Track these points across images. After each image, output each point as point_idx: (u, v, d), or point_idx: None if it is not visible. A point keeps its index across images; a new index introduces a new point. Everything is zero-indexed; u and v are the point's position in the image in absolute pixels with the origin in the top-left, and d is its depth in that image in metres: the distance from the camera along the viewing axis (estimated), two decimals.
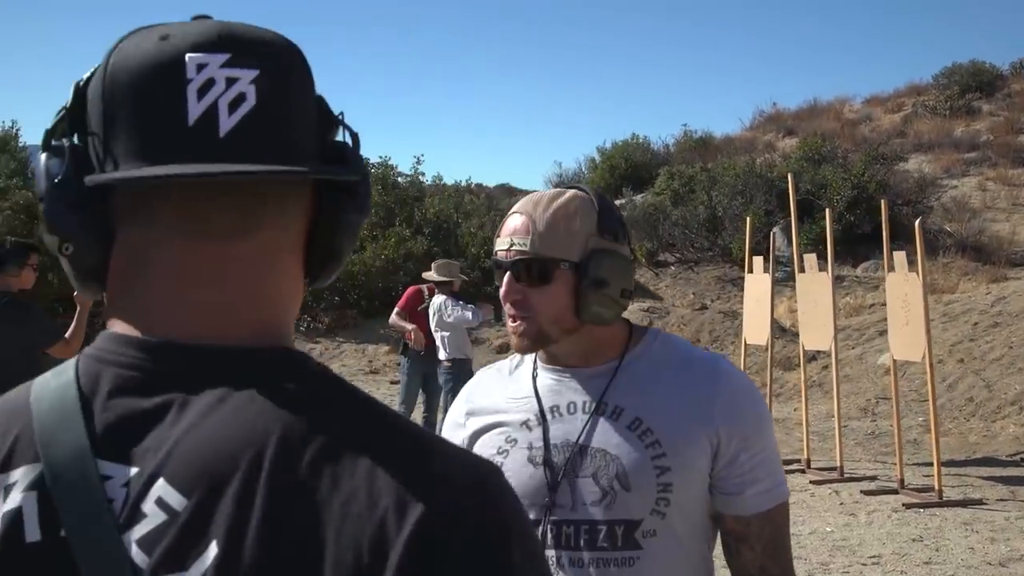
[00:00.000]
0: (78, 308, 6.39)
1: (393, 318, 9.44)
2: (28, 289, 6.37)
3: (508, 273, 1.72)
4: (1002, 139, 23.75)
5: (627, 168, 25.31)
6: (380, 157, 20.35)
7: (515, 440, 1.79)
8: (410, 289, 9.60)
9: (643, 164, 25.41)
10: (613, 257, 1.72)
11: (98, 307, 6.55)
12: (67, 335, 6.22)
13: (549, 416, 1.78)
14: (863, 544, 6.79)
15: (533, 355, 1.85)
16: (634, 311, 16.04)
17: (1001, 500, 7.92)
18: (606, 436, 1.72)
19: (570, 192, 1.77)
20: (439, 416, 9.03)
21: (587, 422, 1.75)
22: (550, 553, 1.73)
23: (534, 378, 1.84)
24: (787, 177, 18.61)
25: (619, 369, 1.77)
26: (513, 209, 1.78)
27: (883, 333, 14.06)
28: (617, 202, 22.18)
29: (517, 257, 1.71)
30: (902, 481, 8.32)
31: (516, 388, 1.86)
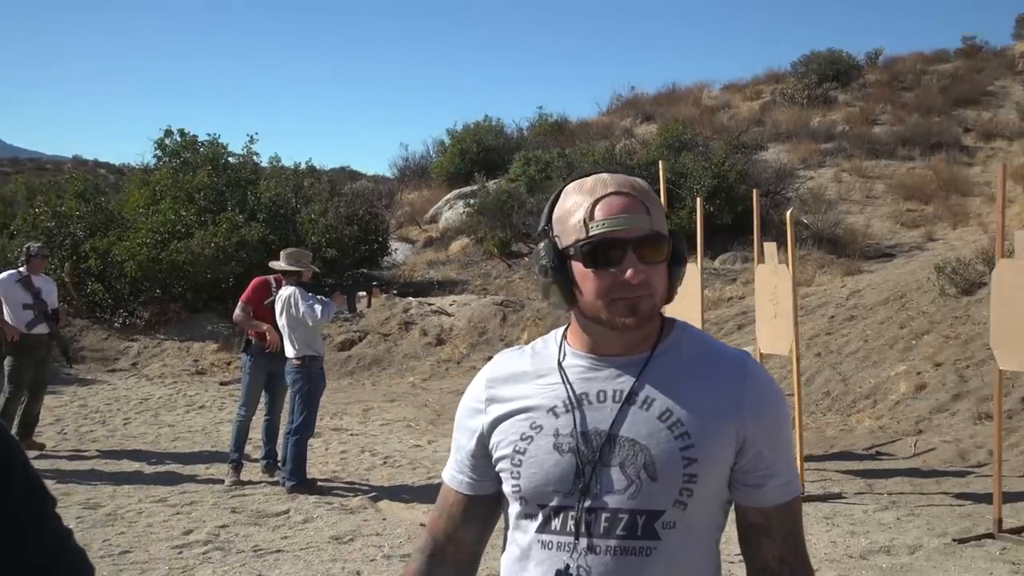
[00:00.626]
0: None
1: (238, 314, 9.07)
2: None
3: (631, 251, 1.77)
4: (857, 130, 24.86)
5: (479, 152, 25.39)
6: (209, 135, 19.96)
7: (540, 427, 1.86)
8: (256, 280, 9.22)
9: (496, 148, 25.55)
10: (680, 236, 1.89)
11: None
12: None
13: (579, 403, 1.86)
14: (729, 541, 6.94)
15: (559, 340, 1.95)
16: (487, 304, 16.15)
17: (859, 493, 8.31)
18: (636, 426, 1.82)
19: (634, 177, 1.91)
20: (283, 418, 8.93)
21: (618, 411, 1.83)
22: (569, 540, 1.83)
23: (561, 364, 1.91)
24: (648, 165, 19.14)
25: (650, 360, 1.87)
26: (606, 190, 1.82)
27: (742, 327, 14.53)
28: (468, 188, 22.56)
29: (641, 234, 1.78)
30: None
31: (543, 373, 1.93)
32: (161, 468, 9.44)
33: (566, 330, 1.96)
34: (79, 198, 18.42)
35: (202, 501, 8.20)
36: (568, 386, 1.88)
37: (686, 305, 9.40)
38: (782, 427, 1.88)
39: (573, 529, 1.82)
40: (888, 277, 15.50)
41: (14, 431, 10.04)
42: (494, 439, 1.92)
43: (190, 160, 19.33)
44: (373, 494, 8.46)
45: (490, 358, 10.51)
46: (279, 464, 8.86)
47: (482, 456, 1.95)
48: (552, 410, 1.87)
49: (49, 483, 6.54)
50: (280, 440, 8.89)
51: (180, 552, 6.85)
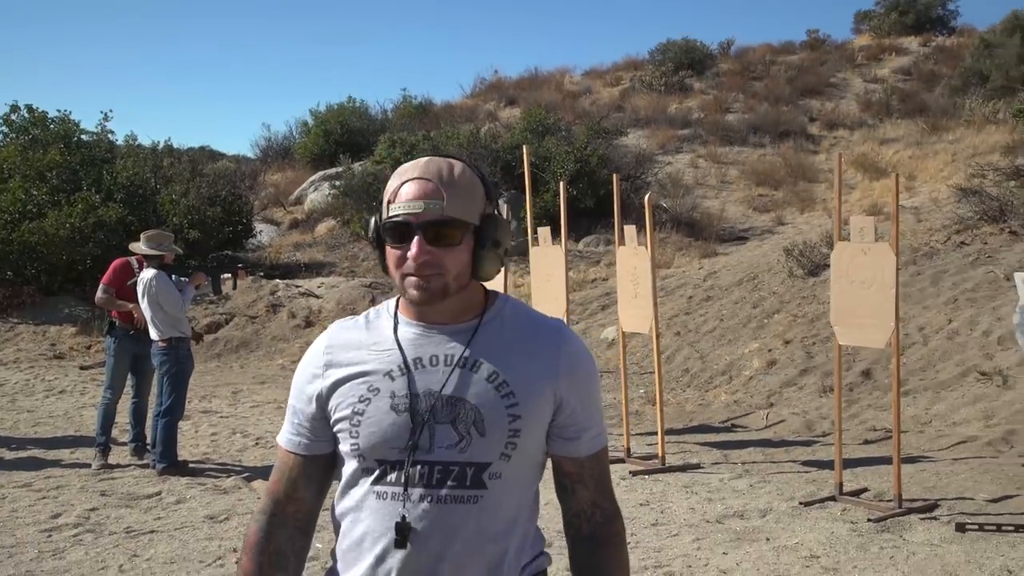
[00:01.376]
0: None
1: (100, 296, 8.91)
2: None
3: (419, 234, 1.92)
4: (712, 117, 25.53)
5: (343, 134, 25.25)
6: (59, 111, 19.44)
7: (377, 389, 2.00)
8: (117, 261, 9.05)
9: (360, 130, 25.47)
10: (502, 221, 2.03)
11: None
12: None
13: (413, 367, 2.01)
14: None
15: (392, 310, 2.10)
16: (355, 286, 16.17)
17: (716, 463, 8.68)
18: (466, 387, 1.98)
19: (458, 162, 2.02)
20: (150, 401, 8.88)
21: (449, 374, 1.99)
22: (401, 491, 1.96)
23: (395, 331, 2.06)
24: (512, 148, 19.39)
25: (479, 327, 2.04)
26: (410, 175, 1.97)
27: (605, 308, 14.87)
28: (333, 170, 22.47)
29: (431, 219, 1.93)
30: (628, 450, 8.94)
31: (378, 340, 2.06)
32: (23, 453, 9.24)
33: (398, 300, 2.10)
34: None
35: (69, 485, 8.09)
36: (402, 352, 2.02)
37: (552, 286, 9.61)
38: (592, 387, 2.10)
39: (404, 481, 1.96)
40: (742, 259, 15.98)
41: None
42: (332, 402, 2.04)
43: (40, 137, 18.76)
44: (247, 474, 8.45)
45: None
46: (148, 447, 8.80)
47: (320, 418, 2.06)
48: (388, 374, 2.01)
49: None
50: (149, 422, 8.82)
51: (49, 535, 6.77)
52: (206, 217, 18.28)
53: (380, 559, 1.96)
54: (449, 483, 1.95)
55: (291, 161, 26.02)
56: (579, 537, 2.10)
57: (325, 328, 8.38)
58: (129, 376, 8.97)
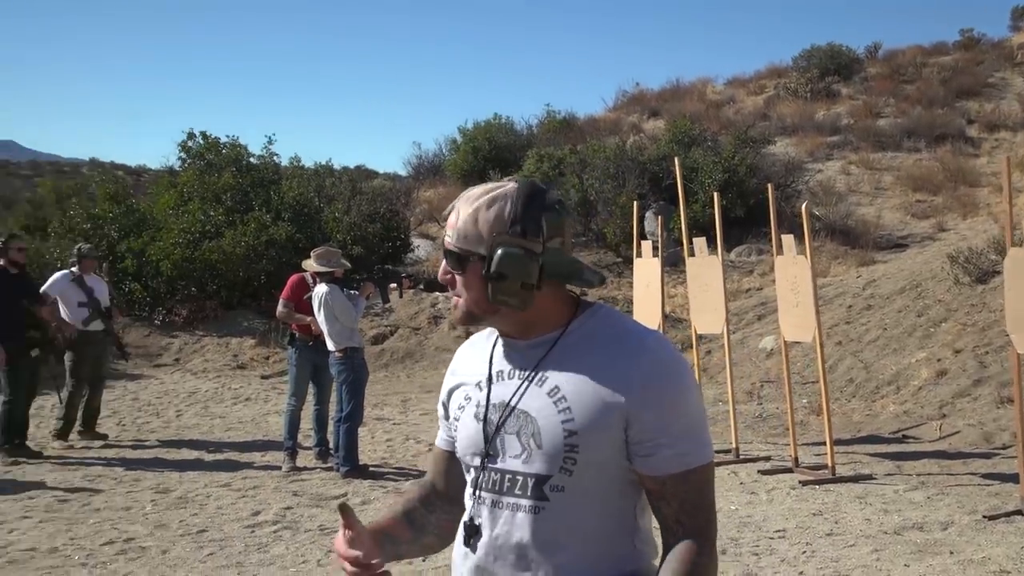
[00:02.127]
0: None
1: (281, 310, 9.32)
2: None
3: (444, 259, 2.05)
4: (862, 123, 24.86)
5: (491, 150, 25.36)
6: (228, 137, 20.00)
7: (470, 398, 2.10)
8: (293, 277, 9.46)
9: (507, 145, 25.55)
10: (510, 254, 1.95)
11: None
12: None
13: (495, 379, 2.07)
14: (767, 520, 7.22)
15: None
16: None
17: (889, 474, 8.54)
18: (530, 400, 1.98)
19: (501, 188, 2.02)
20: (331, 408, 9.21)
21: (519, 386, 2.01)
22: (477, 493, 2.05)
23: (494, 346, 2.13)
24: (659, 160, 19.39)
25: (557, 342, 2.02)
26: (455, 200, 2.06)
27: (762, 317, 14.76)
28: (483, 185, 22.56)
29: (446, 247, 2.03)
30: (796, 460, 8.90)
31: (482, 354, 2.14)
32: (220, 456, 9.73)
33: None
34: (111, 200, 18.57)
35: (264, 485, 8.49)
36: (490, 365, 2.09)
37: (710, 296, 9.63)
38: (676, 402, 1.93)
39: (483, 485, 2.03)
40: (902, 267, 15.66)
41: (78, 423, 10.39)
42: (449, 407, 2.18)
43: (214, 162, 19.41)
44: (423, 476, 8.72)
45: None
46: (331, 451, 9.14)
47: (447, 420, 2.20)
48: (478, 384, 2.09)
49: (119, 470, 6.98)
50: (331, 428, 9.15)
51: (252, 531, 7.15)
52: (367, 233, 18.66)
53: (460, 555, 2.08)
54: (515, 492, 1.99)
55: (442, 178, 26.34)
56: (664, 551, 1.98)
57: None
58: (310, 384, 9.34)
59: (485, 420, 2.04)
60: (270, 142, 20.22)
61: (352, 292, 9.07)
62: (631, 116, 28.93)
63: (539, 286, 1.98)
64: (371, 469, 8.92)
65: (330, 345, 8.82)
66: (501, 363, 2.08)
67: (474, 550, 2.04)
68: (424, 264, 20.03)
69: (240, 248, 17.00)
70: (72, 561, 6.50)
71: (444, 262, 2.05)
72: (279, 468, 9.07)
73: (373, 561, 2.05)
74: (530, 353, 2.04)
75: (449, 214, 2.04)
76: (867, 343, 12.60)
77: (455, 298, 2.05)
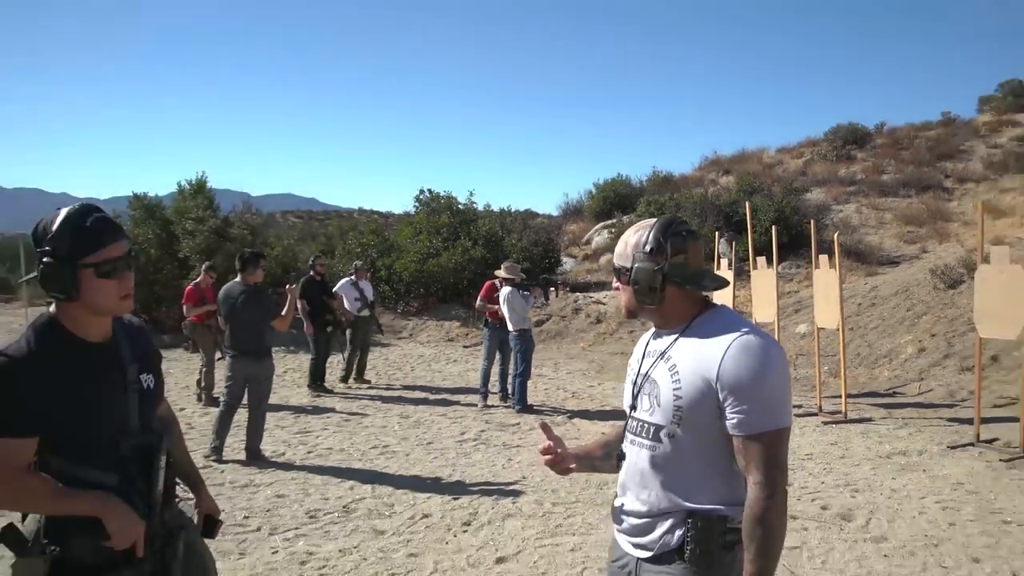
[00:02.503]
0: (288, 296, 6.64)
1: (479, 303, 9.54)
2: (259, 282, 6.91)
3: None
4: (871, 177, 23.92)
5: (615, 198, 25.24)
6: (444, 191, 20.44)
7: (632, 369, 2.12)
8: (487, 283, 9.65)
9: (626, 195, 25.35)
10: (640, 267, 1.97)
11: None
12: (282, 313, 6.52)
13: (644, 357, 2.08)
14: (799, 447, 7.15)
15: None
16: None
17: (883, 418, 8.36)
18: (658, 372, 1.98)
19: (646, 222, 2.03)
20: (510, 368, 9.37)
21: (654, 362, 2.01)
22: (626, 434, 2.08)
23: (651, 335, 2.13)
24: (731, 204, 19.06)
25: (683, 332, 1.98)
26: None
27: (798, 311, 14.41)
28: (609, 221, 22.77)
29: (614, 265, 2.08)
30: (820, 407, 8.79)
31: (644, 341, 2.14)
32: (438, 396, 9.97)
33: None
34: (372, 233, 19.30)
35: (466, 416, 8.72)
36: (644, 347, 2.09)
37: (765, 297, 9.59)
38: (753, 380, 1.81)
39: (627, 429, 2.07)
40: (896, 277, 15.06)
41: (353, 374, 10.92)
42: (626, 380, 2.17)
43: (436, 208, 19.75)
44: (569, 414, 8.82)
45: (631, 332, 10.95)
46: (509, 395, 9.39)
47: None
48: (637, 360, 2.10)
49: (378, 403, 7.37)
50: (510, 381, 9.33)
51: (460, 444, 7.41)
52: (532, 254, 18.80)
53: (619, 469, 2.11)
54: (641, 434, 2.00)
55: (581, 216, 26.38)
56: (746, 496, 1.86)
57: (609, 324, 8.95)
58: (497, 352, 9.53)
59: (635, 384, 2.05)
60: (471, 194, 20.54)
61: (525, 293, 9.32)
62: (710, 174, 28.32)
63: (663, 289, 1.96)
64: (534, 408, 9.10)
65: (510, 327, 9.06)
66: (650, 346, 2.07)
67: (619, 470, 2.10)
68: (569, 274, 20.17)
69: (451, 264, 17.31)
70: (353, 457, 6.92)
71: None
72: (475, 405, 9.31)
73: (558, 450, 2.21)
74: (666, 339, 2.01)
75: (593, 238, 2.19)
76: (871, 329, 12.22)
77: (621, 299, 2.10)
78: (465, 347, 15.02)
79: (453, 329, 16.44)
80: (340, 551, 4.62)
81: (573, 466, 2.26)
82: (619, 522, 2.09)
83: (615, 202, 25.04)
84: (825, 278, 8.83)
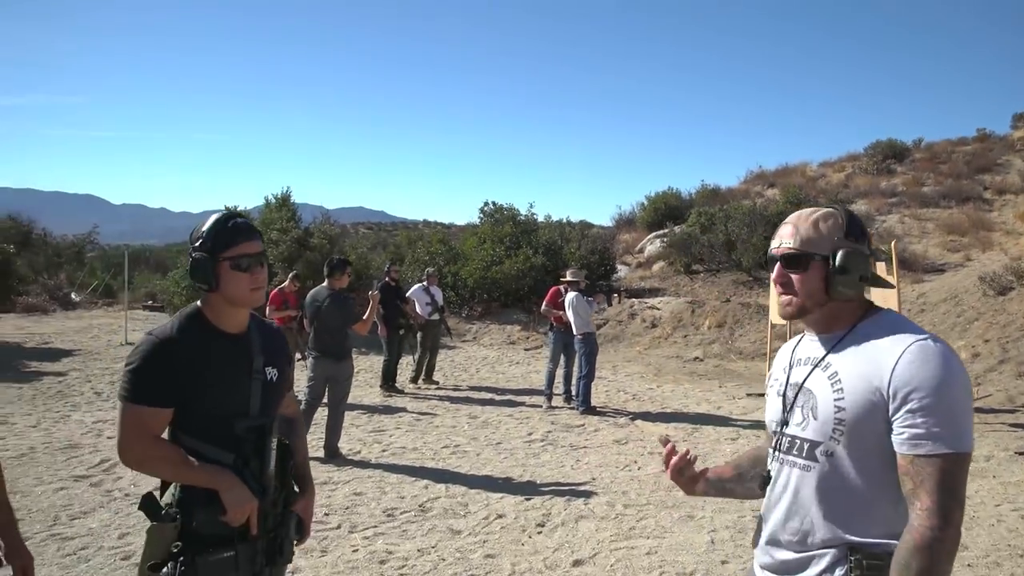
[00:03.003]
0: (371, 302, 6.52)
1: (544, 308, 9.33)
2: (344, 287, 6.76)
3: (779, 262, 1.67)
4: (912, 190, 23.03)
5: (666, 209, 24.73)
6: (507, 203, 20.24)
7: (777, 380, 1.77)
8: (552, 288, 9.39)
9: (676, 207, 24.82)
10: (852, 252, 1.61)
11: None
12: (364, 317, 6.35)
13: (793, 366, 1.72)
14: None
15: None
16: (681, 302, 15.91)
17: None
18: (815, 381, 1.63)
19: (826, 209, 1.68)
20: (574, 370, 9.08)
21: (810, 371, 1.66)
22: (774, 452, 1.71)
23: (798, 341, 1.78)
24: (777, 215, 18.38)
25: (844, 336, 1.63)
26: (786, 220, 1.71)
27: None
28: (661, 231, 22.30)
29: (784, 252, 1.65)
30: None
31: (787, 351, 1.80)
32: (503, 397, 9.69)
33: None
34: (440, 243, 19.21)
35: (532, 417, 8.41)
36: (792, 355, 1.74)
37: (885, 304, 9.06)
38: (930, 392, 1.44)
39: (775, 447, 1.70)
40: (942, 284, 14.30)
41: (423, 374, 10.74)
42: (768, 393, 1.82)
43: (499, 218, 19.59)
44: (631, 416, 8.47)
45: (685, 336, 10.38)
46: (573, 396, 9.05)
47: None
48: (783, 369, 1.75)
49: (447, 403, 7.07)
50: (574, 383, 9.02)
51: (529, 444, 7.11)
52: (590, 261, 18.49)
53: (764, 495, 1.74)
54: (793, 452, 1.63)
55: (634, 226, 25.89)
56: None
57: (663, 329, 8.38)
58: (562, 355, 9.23)
59: (784, 396, 1.71)
60: (531, 206, 20.48)
61: (589, 299, 9.01)
62: (756, 187, 27.66)
63: (871, 280, 1.64)
64: (598, 409, 8.77)
65: (575, 331, 8.77)
66: (800, 354, 1.73)
67: (765, 493, 1.72)
68: (624, 280, 19.76)
69: (513, 271, 17.10)
70: (425, 456, 6.68)
71: (778, 266, 1.67)
72: (540, 407, 9.01)
73: (688, 457, 1.87)
74: (824, 345, 1.66)
75: (779, 228, 1.70)
76: None
77: (786, 296, 1.67)
78: (526, 350, 14.73)
79: (515, 333, 16.18)
80: (419, 551, 4.36)
81: (699, 488, 1.92)
82: (764, 557, 1.72)
83: (666, 213, 24.53)
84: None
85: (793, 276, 1.65)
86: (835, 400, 1.57)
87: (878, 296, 8.36)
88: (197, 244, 2.04)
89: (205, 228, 2.06)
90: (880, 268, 8.41)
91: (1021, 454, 6.45)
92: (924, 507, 1.43)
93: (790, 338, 1.90)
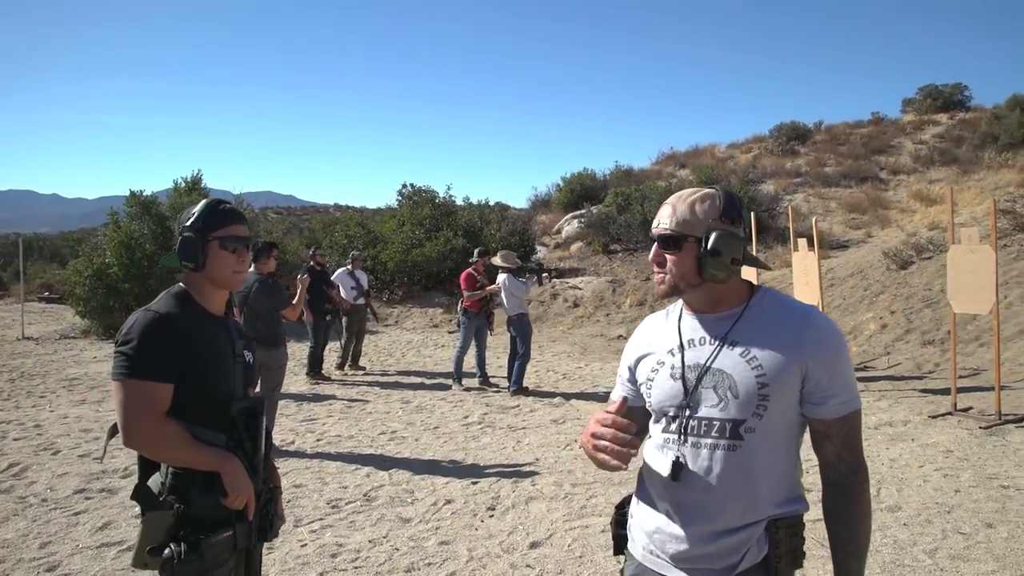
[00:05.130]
0: (300, 286, 6.39)
1: (468, 294, 8.96)
2: (272, 272, 6.48)
3: (656, 243, 1.68)
4: (814, 170, 24.11)
5: (582, 190, 24.95)
6: (425, 185, 20.02)
7: (663, 363, 1.72)
8: (464, 273, 9.08)
9: (592, 187, 25.08)
10: (724, 235, 1.62)
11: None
12: (293, 302, 6.21)
13: (686, 346, 1.69)
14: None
15: (680, 304, 1.77)
16: (601, 282, 16.12)
17: (861, 391, 7.99)
18: (725, 361, 1.62)
19: (705, 191, 1.68)
20: (485, 351, 9.08)
21: (712, 351, 1.65)
22: (677, 438, 1.66)
23: (679, 320, 1.75)
24: None
25: (742, 314, 1.66)
26: (667, 201, 1.70)
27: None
28: (578, 212, 22.52)
29: (661, 232, 1.66)
30: None
31: (668, 328, 1.76)
32: (434, 381, 9.58)
33: None
34: (359, 227, 18.82)
35: (466, 400, 8.33)
36: (680, 335, 1.71)
37: (805, 279, 9.19)
38: (838, 360, 1.58)
39: (681, 431, 1.65)
40: (848, 260, 15.02)
41: (349, 360, 10.49)
42: (637, 372, 1.79)
43: (417, 200, 19.41)
44: (564, 395, 8.48)
45: (607, 315, 10.54)
46: (488, 379, 8.99)
47: (633, 381, 1.81)
48: (670, 351, 1.71)
49: (376, 388, 6.89)
50: (504, 363, 8.99)
51: (467, 428, 7.04)
52: (510, 243, 18.49)
53: (662, 485, 1.67)
54: (712, 434, 1.61)
55: (550, 208, 26.10)
56: (827, 483, 1.63)
57: (585, 308, 8.46)
58: (473, 338, 9.05)
59: (684, 378, 1.66)
60: (449, 188, 20.30)
61: (522, 280, 8.94)
62: (668, 168, 28.27)
63: (742, 263, 1.64)
64: (529, 390, 8.74)
65: (508, 312, 8.68)
66: (690, 333, 1.70)
67: (678, 480, 1.64)
68: (544, 260, 19.85)
69: (433, 254, 16.97)
70: (363, 444, 6.52)
71: (655, 246, 1.68)
72: (478, 389, 8.89)
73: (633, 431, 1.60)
74: (719, 324, 1.66)
75: (660, 208, 1.69)
76: (833, 307, 12.12)
77: (660, 275, 1.68)
78: (450, 332, 14.66)
79: (437, 316, 16.07)
80: (370, 542, 4.22)
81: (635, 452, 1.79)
82: (676, 545, 1.65)
83: (582, 194, 24.74)
84: (804, 261, 8.63)
85: (668, 256, 1.66)
86: (756, 377, 1.59)
87: (799, 271, 8.65)
88: (188, 224, 2.09)
89: (196, 210, 2.12)
90: (802, 244, 8.71)
91: (934, 417, 6.84)
92: (849, 464, 1.60)
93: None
